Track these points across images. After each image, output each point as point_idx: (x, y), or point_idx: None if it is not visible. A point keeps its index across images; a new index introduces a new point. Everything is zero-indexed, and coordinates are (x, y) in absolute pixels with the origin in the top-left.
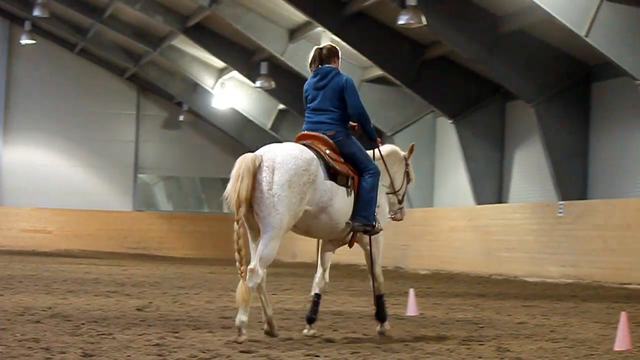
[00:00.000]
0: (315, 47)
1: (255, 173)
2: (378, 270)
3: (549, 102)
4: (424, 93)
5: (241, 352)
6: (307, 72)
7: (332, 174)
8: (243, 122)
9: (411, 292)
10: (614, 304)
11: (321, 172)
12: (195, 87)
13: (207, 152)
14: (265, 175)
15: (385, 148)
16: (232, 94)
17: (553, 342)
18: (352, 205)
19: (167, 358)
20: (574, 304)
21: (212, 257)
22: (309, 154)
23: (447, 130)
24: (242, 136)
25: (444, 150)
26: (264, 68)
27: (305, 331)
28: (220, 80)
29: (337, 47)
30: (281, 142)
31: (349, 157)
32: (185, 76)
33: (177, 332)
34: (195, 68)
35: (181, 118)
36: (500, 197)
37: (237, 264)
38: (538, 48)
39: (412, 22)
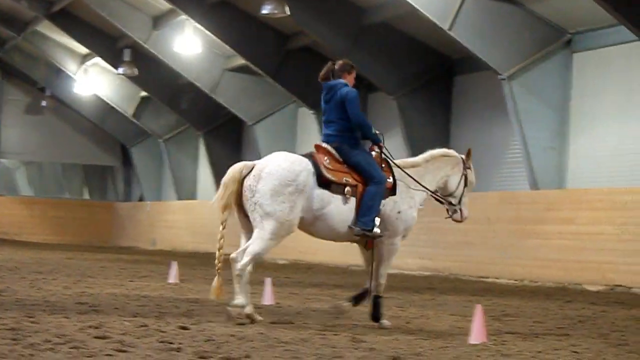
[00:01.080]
0: (330, 61)
1: (242, 181)
2: (383, 270)
3: (411, 94)
4: (286, 83)
5: (95, 337)
6: (170, 58)
7: (325, 183)
8: (105, 108)
9: (267, 281)
10: (470, 297)
11: (312, 182)
12: (58, 73)
13: (69, 138)
14: (250, 184)
15: (433, 152)
16: (95, 80)
17: (409, 333)
18: (352, 211)
19: (22, 342)
20: (431, 296)
21: (72, 243)
22: (300, 165)
23: (308, 121)
24: (104, 123)
25: (305, 140)
26: (127, 55)
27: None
28: (83, 67)
29: (350, 64)
30: (144, 129)
31: (354, 166)
32: (48, 61)
33: (32, 317)
34: (59, 54)
35: (44, 104)
36: None
37: (216, 261)
38: (401, 41)
39: (275, 11)
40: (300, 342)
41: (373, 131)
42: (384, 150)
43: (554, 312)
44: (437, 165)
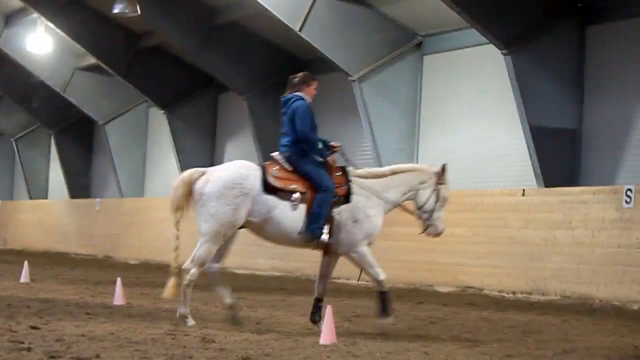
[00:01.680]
0: (291, 75)
1: (191, 184)
2: (372, 272)
3: (261, 94)
4: (137, 82)
5: None
6: (22, 57)
7: (271, 190)
8: None
9: (118, 281)
10: (307, 297)
11: (258, 187)
12: None
13: None
14: (198, 187)
15: (402, 165)
16: None
17: (259, 334)
18: (301, 217)
19: None
20: (282, 297)
21: None
22: (248, 170)
23: (159, 121)
24: None
25: (156, 140)
26: None
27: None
28: None
29: (309, 76)
30: None
31: (303, 175)
32: None
33: None
34: None
35: None
36: None
37: (172, 262)
38: (252, 41)
39: (126, 11)
40: (150, 342)
41: (319, 146)
42: (331, 163)
43: (405, 314)
44: (403, 178)
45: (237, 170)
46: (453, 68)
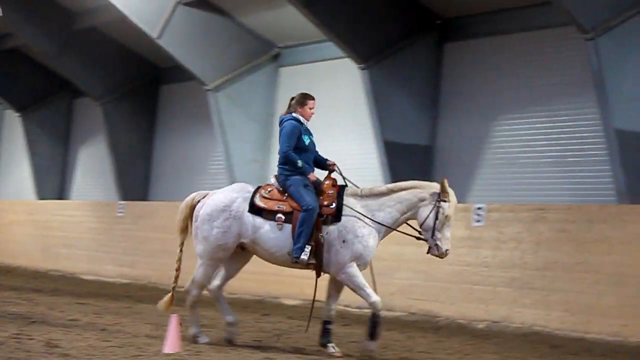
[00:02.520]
0: (291, 97)
1: (193, 207)
2: (362, 294)
3: (117, 101)
4: None
5: None
6: None
7: (257, 210)
8: None
9: None
10: (153, 305)
11: (245, 209)
12: None
13: None
14: (196, 210)
15: (403, 182)
16: None
17: (103, 340)
18: (288, 237)
19: None
20: (128, 304)
21: None
22: (239, 193)
23: (14, 124)
24: None
25: (10, 143)
26: None
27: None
28: None
29: (304, 95)
30: None
31: (289, 195)
32: None
33: None
34: None
35: None
36: (62, 193)
37: (173, 280)
38: (110, 47)
39: None
40: None
41: (299, 164)
42: (316, 179)
43: (251, 325)
44: (400, 196)
45: (229, 193)
46: (309, 81)
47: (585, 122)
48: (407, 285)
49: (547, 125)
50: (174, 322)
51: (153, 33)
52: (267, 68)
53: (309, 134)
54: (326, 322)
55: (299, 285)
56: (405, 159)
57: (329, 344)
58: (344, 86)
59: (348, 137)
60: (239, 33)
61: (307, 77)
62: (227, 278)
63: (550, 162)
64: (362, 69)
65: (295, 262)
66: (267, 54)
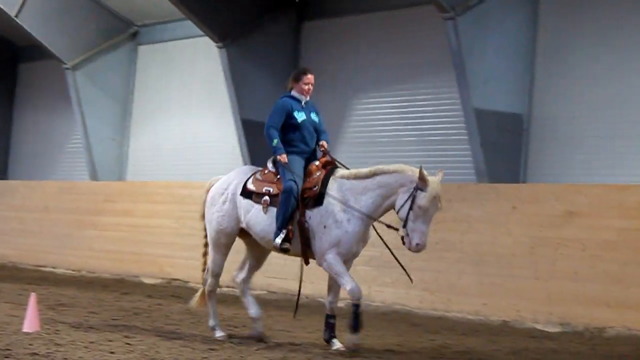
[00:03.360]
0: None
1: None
2: (341, 282)
3: None
4: None
5: None
6: None
7: (247, 193)
8: None
9: None
10: (27, 285)
11: (238, 192)
12: None
13: None
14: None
15: (390, 166)
16: None
17: None
18: (273, 220)
19: None
20: None
21: None
22: (237, 176)
23: None
24: None
25: None
26: None
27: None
28: None
29: (299, 71)
30: None
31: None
32: None
33: None
34: None
35: None
36: None
37: (202, 272)
38: None
39: None
40: None
41: (273, 143)
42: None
43: (110, 304)
44: (382, 180)
45: (230, 176)
46: (168, 59)
47: (445, 102)
48: (266, 263)
49: (407, 104)
50: (32, 300)
51: (11, 11)
52: (126, 46)
53: (309, 110)
54: (328, 317)
55: (159, 264)
56: (262, 138)
57: (333, 339)
58: (203, 65)
59: (206, 116)
60: (98, 11)
61: (165, 55)
62: (252, 269)
63: (410, 141)
64: (220, 47)
65: (274, 247)
66: (125, 32)
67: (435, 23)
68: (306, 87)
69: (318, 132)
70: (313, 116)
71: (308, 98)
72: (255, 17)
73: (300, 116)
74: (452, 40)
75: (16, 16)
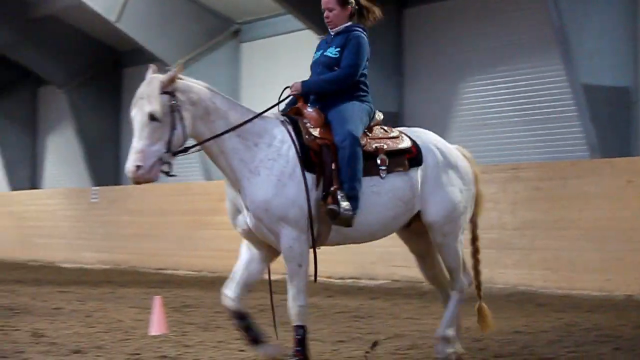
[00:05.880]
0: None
1: None
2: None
3: (80, 87)
4: None
5: None
6: None
7: None
8: None
9: None
10: (149, 288)
11: None
12: None
13: None
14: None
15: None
16: None
17: (89, 327)
18: None
19: None
20: (110, 289)
21: None
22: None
23: None
24: None
25: None
26: None
27: None
28: None
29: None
30: None
31: None
32: None
33: None
34: None
35: None
36: (34, 182)
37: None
38: (69, 33)
39: None
40: None
41: None
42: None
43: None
44: None
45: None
46: (271, 55)
47: (552, 79)
48: (387, 253)
49: (513, 84)
50: (158, 303)
51: (111, 17)
52: (228, 45)
53: (332, 45)
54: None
55: (279, 260)
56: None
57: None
58: (306, 58)
59: None
60: (198, 11)
61: (268, 51)
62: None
63: (520, 122)
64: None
65: None
66: (226, 30)
67: (535, 1)
68: (324, 16)
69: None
70: (330, 51)
71: (333, 31)
72: None
73: (315, 56)
74: (554, 17)
75: (116, 22)
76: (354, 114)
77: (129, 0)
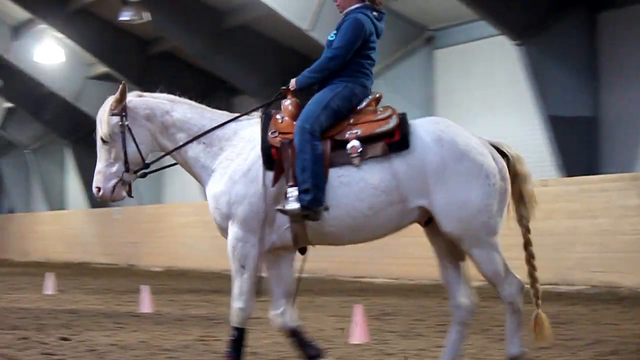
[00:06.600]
0: None
1: None
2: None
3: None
4: (150, 89)
5: None
6: (32, 68)
7: None
8: None
9: (144, 289)
10: (348, 297)
11: None
12: None
13: None
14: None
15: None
16: None
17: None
18: None
19: None
20: (310, 298)
21: None
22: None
23: None
24: None
25: None
26: None
27: None
28: None
29: None
30: (9, 141)
31: None
32: None
33: None
34: None
35: None
36: None
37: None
38: (262, 43)
39: (135, 18)
40: (181, 349)
41: None
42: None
43: (433, 310)
44: None
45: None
46: (465, 61)
47: None
48: (584, 258)
49: None
50: (359, 312)
51: (304, 25)
52: (422, 51)
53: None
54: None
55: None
56: (570, 132)
57: None
58: (501, 64)
59: (511, 115)
60: (390, 19)
61: (462, 57)
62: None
63: None
64: (518, 45)
65: None
66: (420, 37)
67: None
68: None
69: None
70: (331, 35)
71: (343, 13)
72: (549, 12)
73: (329, 37)
74: None
75: (309, 30)
76: (318, 104)
77: (323, 8)
